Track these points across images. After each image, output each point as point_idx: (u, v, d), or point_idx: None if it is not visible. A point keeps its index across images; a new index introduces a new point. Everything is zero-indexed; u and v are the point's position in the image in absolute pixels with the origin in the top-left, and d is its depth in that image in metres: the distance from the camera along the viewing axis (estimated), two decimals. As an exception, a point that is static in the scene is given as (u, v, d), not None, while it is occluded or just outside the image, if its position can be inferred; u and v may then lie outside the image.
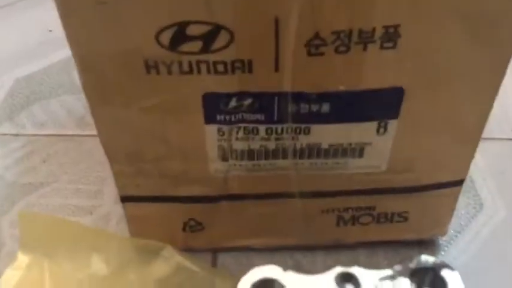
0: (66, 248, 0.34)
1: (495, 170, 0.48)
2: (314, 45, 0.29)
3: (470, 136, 0.35)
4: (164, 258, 0.35)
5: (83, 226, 0.36)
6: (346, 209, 0.38)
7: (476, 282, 0.39)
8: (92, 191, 0.45)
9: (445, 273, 0.26)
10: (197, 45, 0.29)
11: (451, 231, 0.42)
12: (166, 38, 0.28)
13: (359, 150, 0.35)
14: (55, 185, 0.46)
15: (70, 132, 0.50)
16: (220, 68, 0.30)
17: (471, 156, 0.36)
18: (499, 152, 0.50)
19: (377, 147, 0.34)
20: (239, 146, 0.34)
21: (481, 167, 0.48)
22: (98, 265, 0.34)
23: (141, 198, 0.37)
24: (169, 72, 0.30)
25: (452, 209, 0.40)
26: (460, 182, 0.38)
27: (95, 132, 0.40)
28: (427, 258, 0.26)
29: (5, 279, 0.34)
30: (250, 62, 0.30)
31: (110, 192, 0.44)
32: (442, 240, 0.42)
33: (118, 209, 0.40)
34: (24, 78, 0.54)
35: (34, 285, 0.34)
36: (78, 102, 0.52)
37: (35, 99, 0.52)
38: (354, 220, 0.39)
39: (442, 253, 0.42)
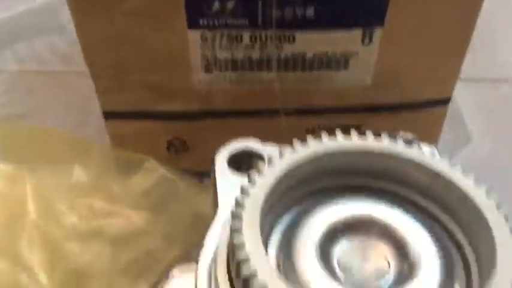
0: (47, 159, 0.34)
1: (484, 108, 0.48)
2: None
3: (455, 50, 0.35)
4: (147, 170, 0.34)
5: (63, 134, 0.35)
6: (332, 128, 0.38)
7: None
8: (75, 123, 0.44)
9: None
10: None
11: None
12: None
13: (344, 61, 0.34)
14: (39, 118, 0.45)
15: (53, 69, 0.49)
16: (203, -35, 0.29)
17: (457, 72, 0.36)
18: (488, 92, 0.50)
19: (362, 59, 0.34)
20: (223, 55, 0.34)
21: (471, 105, 0.48)
22: (79, 175, 0.34)
23: (124, 114, 0.36)
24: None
25: (439, 131, 0.39)
26: (445, 101, 0.38)
27: (78, 68, 0.39)
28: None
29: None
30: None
31: (94, 123, 0.44)
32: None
33: (101, 139, 0.40)
34: (9, 18, 0.54)
35: (16, 197, 0.34)
36: (62, 42, 0.51)
37: (19, 38, 0.52)
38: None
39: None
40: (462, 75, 0.50)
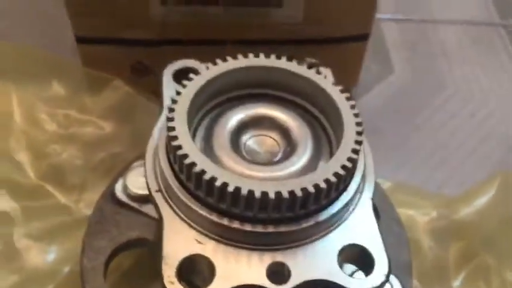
0: (29, 74, 0.41)
1: (408, 44, 0.55)
2: None
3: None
4: (114, 87, 0.41)
5: (44, 52, 0.42)
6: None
7: (380, 131, 0.48)
8: (49, 44, 0.47)
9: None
10: None
11: (363, 86, 0.50)
12: None
13: (279, 0, 0.41)
14: (12, 39, 0.48)
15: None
16: None
17: (372, 11, 0.43)
18: (414, 31, 0.57)
19: (294, -3, 0.41)
20: (177, -10, 0.40)
21: (396, 42, 0.55)
22: (57, 90, 0.41)
23: (94, 39, 0.43)
24: None
25: (360, 63, 0.47)
26: (364, 37, 0.45)
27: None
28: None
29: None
30: None
31: (68, 44, 0.47)
32: (355, 93, 0.50)
33: (75, 59, 0.45)
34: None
35: (3, 107, 0.40)
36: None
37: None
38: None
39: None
40: (391, 15, 0.57)
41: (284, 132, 0.28)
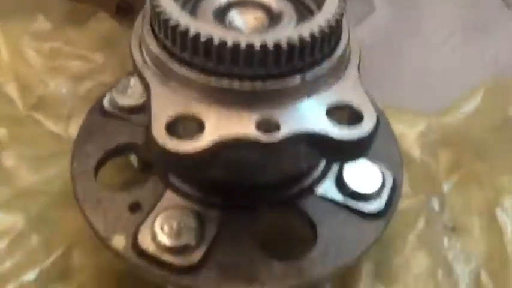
0: (14, 9, 0.41)
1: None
2: None
3: None
4: (99, 19, 0.41)
5: None
6: None
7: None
8: None
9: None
10: None
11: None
12: None
13: None
14: None
15: None
16: None
17: None
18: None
19: None
20: None
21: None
22: (42, 23, 0.41)
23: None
24: None
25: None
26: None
27: None
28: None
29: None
30: None
31: None
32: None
33: None
34: None
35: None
36: None
37: None
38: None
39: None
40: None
41: (267, 10, 0.28)
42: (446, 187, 0.38)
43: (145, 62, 0.27)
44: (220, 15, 0.28)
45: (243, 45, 0.24)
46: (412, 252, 0.34)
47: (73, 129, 0.38)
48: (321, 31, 0.25)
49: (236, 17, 0.28)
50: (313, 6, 0.28)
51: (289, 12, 0.28)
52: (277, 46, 0.24)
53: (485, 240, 0.35)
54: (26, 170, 0.35)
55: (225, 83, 0.25)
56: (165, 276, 0.28)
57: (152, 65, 0.26)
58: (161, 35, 0.25)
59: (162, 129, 0.24)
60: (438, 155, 0.39)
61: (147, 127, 0.25)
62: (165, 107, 0.25)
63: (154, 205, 0.30)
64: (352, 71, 0.27)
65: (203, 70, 0.25)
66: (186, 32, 0.24)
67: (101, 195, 0.30)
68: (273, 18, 0.28)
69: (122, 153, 0.33)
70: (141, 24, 0.27)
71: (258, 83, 0.25)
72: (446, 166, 0.39)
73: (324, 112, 0.25)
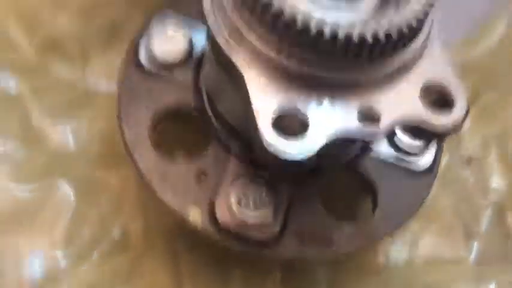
0: None
1: None
2: None
3: None
4: None
5: None
6: None
7: None
8: None
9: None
10: None
11: None
12: None
13: None
14: None
15: None
16: None
17: None
18: None
19: None
20: None
21: None
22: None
23: None
24: None
25: None
26: None
27: None
28: None
29: None
30: None
31: None
32: None
33: None
34: None
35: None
36: None
37: None
38: None
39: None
40: None
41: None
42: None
43: (228, 42, 0.25)
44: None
45: (355, 38, 0.23)
46: (438, 189, 0.37)
47: (90, 75, 0.36)
48: (417, 19, 0.24)
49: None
50: None
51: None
52: (388, 36, 0.23)
53: (500, 172, 0.38)
54: (54, 128, 0.33)
55: (325, 73, 0.24)
56: (245, 249, 0.29)
57: (243, 50, 0.24)
58: (256, 19, 0.24)
59: (269, 127, 0.23)
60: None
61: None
62: (268, 101, 0.24)
63: (221, 174, 0.30)
64: (436, 41, 0.27)
65: (303, 60, 0.24)
66: (294, 21, 0.22)
67: (164, 166, 0.29)
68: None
69: (173, 116, 0.32)
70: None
71: (359, 74, 0.24)
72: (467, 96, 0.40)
73: (418, 95, 0.25)
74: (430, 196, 0.37)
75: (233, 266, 0.31)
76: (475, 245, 0.36)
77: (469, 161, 0.39)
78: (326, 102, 0.24)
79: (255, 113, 0.23)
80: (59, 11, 0.36)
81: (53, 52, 0.35)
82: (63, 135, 0.33)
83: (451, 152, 0.38)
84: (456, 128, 0.25)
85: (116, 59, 0.33)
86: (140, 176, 0.29)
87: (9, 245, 0.29)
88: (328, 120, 0.24)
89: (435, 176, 0.33)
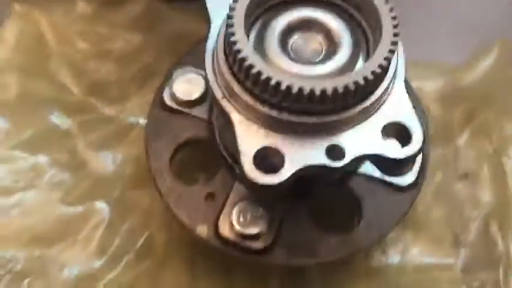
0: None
1: None
2: None
3: None
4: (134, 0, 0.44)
5: None
6: None
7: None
8: None
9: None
10: None
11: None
12: None
13: None
14: None
15: None
16: None
17: None
18: None
19: None
20: None
21: None
22: (82, 7, 0.43)
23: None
24: None
25: None
26: None
27: None
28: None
29: (6, 32, 0.43)
30: None
31: None
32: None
33: None
34: None
35: (35, 31, 0.43)
36: None
37: None
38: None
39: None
40: None
41: (327, 33, 0.31)
42: (460, 139, 0.44)
43: (224, 96, 0.31)
44: (284, 39, 0.31)
45: (317, 92, 0.28)
46: (432, 202, 0.41)
47: (127, 111, 0.43)
48: (381, 66, 0.29)
49: (298, 41, 0.32)
50: (368, 31, 0.32)
51: (345, 35, 0.32)
52: (346, 89, 0.28)
53: (492, 187, 0.42)
54: (98, 158, 0.40)
55: (298, 118, 0.29)
56: (244, 257, 0.35)
57: (230, 98, 0.30)
58: (241, 76, 0.29)
59: (250, 164, 0.29)
60: (453, 109, 0.44)
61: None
62: (251, 142, 0.29)
63: (227, 196, 0.36)
64: (399, 83, 0.31)
65: (280, 107, 0.29)
66: (268, 80, 0.28)
67: (180, 189, 0.36)
68: (331, 40, 0.32)
69: (190, 146, 0.38)
70: (215, 50, 0.31)
71: (325, 116, 0.29)
72: (460, 119, 0.44)
73: (379, 131, 0.30)
74: (423, 208, 0.42)
75: (237, 270, 0.37)
76: (463, 252, 0.40)
77: (464, 176, 0.43)
78: (299, 142, 0.30)
79: (240, 152, 0.29)
80: (102, 60, 0.44)
81: (96, 94, 0.43)
82: (104, 162, 0.40)
83: (447, 167, 0.43)
84: (411, 157, 0.30)
85: (149, 96, 0.40)
86: (160, 196, 0.36)
87: (55, 254, 0.37)
88: (300, 156, 0.29)
89: (418, 192, 0.37)
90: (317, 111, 0.29)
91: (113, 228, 0.38)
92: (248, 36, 0.31)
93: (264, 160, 0.29)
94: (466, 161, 0.43)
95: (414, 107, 0.33)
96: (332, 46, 0.31)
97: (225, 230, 0.35)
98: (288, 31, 0.32)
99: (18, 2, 0.43)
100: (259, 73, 0.28)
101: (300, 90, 0.28)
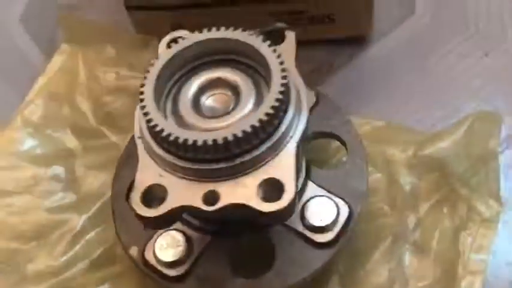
0: (91, 41, 0.52)
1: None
2: None
3: None
4: (155, 47, 0.51)
5: (101, 24, 0.54)
6: (280, 13, 0.51)
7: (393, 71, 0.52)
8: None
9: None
10: None
11: (382, 30, 0.54)
12: None
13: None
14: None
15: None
16: None
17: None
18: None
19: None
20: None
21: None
22: (110, 51, 0.52)
23: (140, 7, 0.52)
24: None
25: (370, 11, 0.51)
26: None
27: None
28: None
29: (52, 64, 0.53)
30: None
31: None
32: (372, 38, 0.54)
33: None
34: None
35: (73, 66, 0.52)
36: None
37: None
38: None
39: (369, 48, 0.54)
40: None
41: (234, 89, 0.36)
42: (423, 208, 0.43)
43: (141, 136, 0.36)
44: (197, 96, 0.36)
45: (199, 142, 0.32)
46: (375, 266, 0.42)
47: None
48: (261, 121, 0.32)
49: (208, 101, 0.36)
50: (267, 79, 0.35)
51: (249, 88, 0.36)
52: (214, 141, 0.32)
53: (442, 261, 0.41)
54: (90, 177, 0.48)
55: (184, 163, 0.34)
56: (161, 282, 0.39)
57: (143, 139, 0.36)
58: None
59: (138, 198, 0.34)
60: (422, 178, 0.44)
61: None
62: (144, 178, 0.34)
63: (160, 226, 0.41)
64: (291, 145, 0.34)
65: (171, 153, 0.34)
66: (159, 132, 0.33)
67: (127, 214, 0.42)
68: (237, 94, 0.36)
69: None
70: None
71: (206, 164, 0.33)
72: (428, 188, 0.44)
73: (256, 185, 0.33)
74: (366, 271, 0.42)
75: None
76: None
77: (415, 245, 0.43)
78: (185, 184, 0.34)
79: (134, 187, 0.34)
80: (118, 94, 0.51)
81: (108, 123, 0.50)
82: (93, 182, 0.47)
83: (403, 234, 0.43)
84: (281, 212, 0.32)
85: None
86: (112, 215, 0.42)
87: (26, 250, 0.45)
88: (180, 197, 0.33)
89: (336, 251, 0.38)
90: (201, 160, 0.33)
91: (79, 237, 0.45)
92: (167, 96, 0.37)
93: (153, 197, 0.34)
94: (423, 232, 0.43)
95: (361, 168, 0.39)
96: (238, 99, 0.36)
97: (149, 254, 0.40)
98: (200, 91, 0.37)
99: (67, 42, 0.53)
100: (154, 125, 0.34)
101: (185, 140, 0.33)
